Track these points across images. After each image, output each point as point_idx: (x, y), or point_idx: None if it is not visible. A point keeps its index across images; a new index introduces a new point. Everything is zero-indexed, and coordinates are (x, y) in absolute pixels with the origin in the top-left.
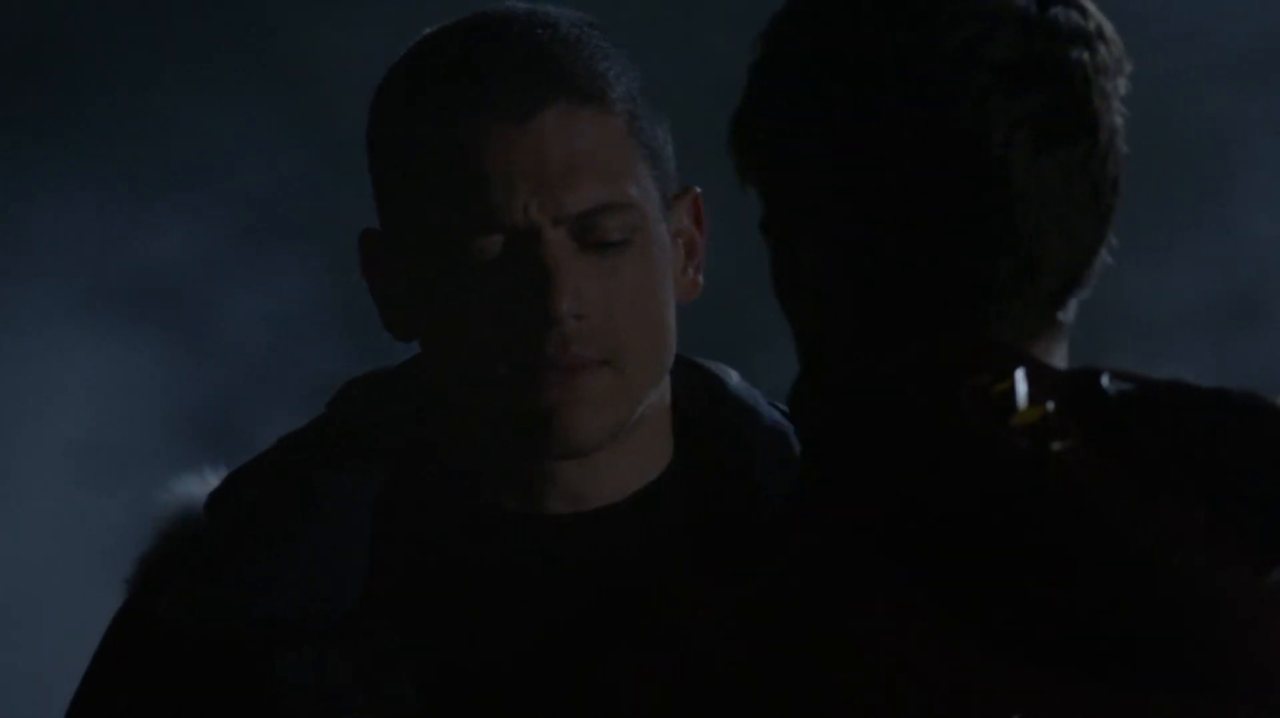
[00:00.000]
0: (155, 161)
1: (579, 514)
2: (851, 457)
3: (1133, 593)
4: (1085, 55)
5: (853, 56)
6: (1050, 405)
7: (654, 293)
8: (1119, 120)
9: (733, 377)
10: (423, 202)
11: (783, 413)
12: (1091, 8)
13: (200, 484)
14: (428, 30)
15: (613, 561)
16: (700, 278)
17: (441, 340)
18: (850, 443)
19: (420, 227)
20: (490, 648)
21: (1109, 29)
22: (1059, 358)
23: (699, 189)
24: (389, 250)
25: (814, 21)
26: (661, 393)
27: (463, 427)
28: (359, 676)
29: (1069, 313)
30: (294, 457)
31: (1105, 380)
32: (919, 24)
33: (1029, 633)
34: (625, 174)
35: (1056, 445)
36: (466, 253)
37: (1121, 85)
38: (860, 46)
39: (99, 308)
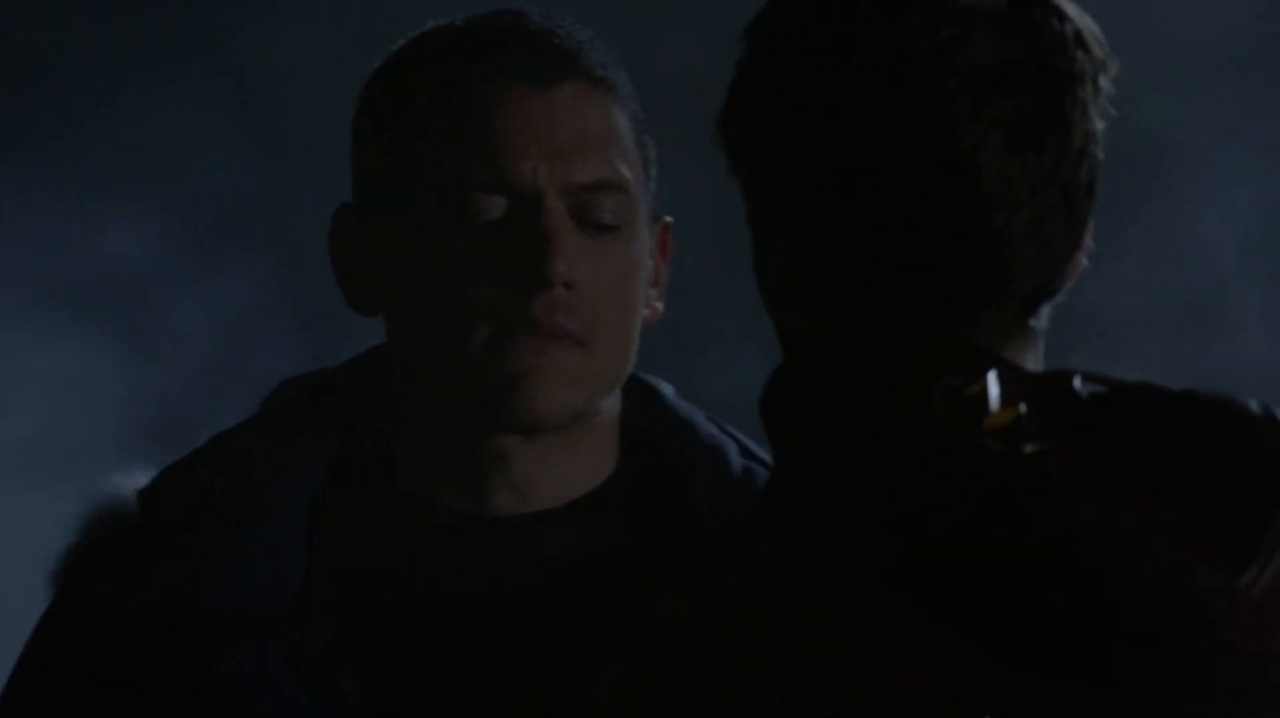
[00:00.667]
0: (106, 162)
1: (521, 516)
2: (823, 459)
3: (1106, 595)
4: (1060, 60)
5: (830, 55)
6: (1023, 408)
7: (632, 285)
8: (1097, 124)
9: (668, 389)
10: (425, 162)
11: (720, 428)
12: (1071, 10)
13: (129, 480)
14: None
15: (552, 563)
16: (660, 306)
17: (421, 305)
18: (822, 445)
19: (418, 187)
20: (430, 648)
21: (1090, 31)
22: (1031, 362)
23: (670, 219)
24: (370, 221)
25: (793, 20)
26: (614, 401)
27: (416, 415)
28: (298, 672)
29: (1042, 318)
30: (232, 453)
31: (1077, 382)
32: (896, 25)
33: (1004, 635)
34: (627, 161)
35: (1029, 448)
36: (466, 212)
37: (1104, 87)
38: (837, 46)
39: (49, 308)
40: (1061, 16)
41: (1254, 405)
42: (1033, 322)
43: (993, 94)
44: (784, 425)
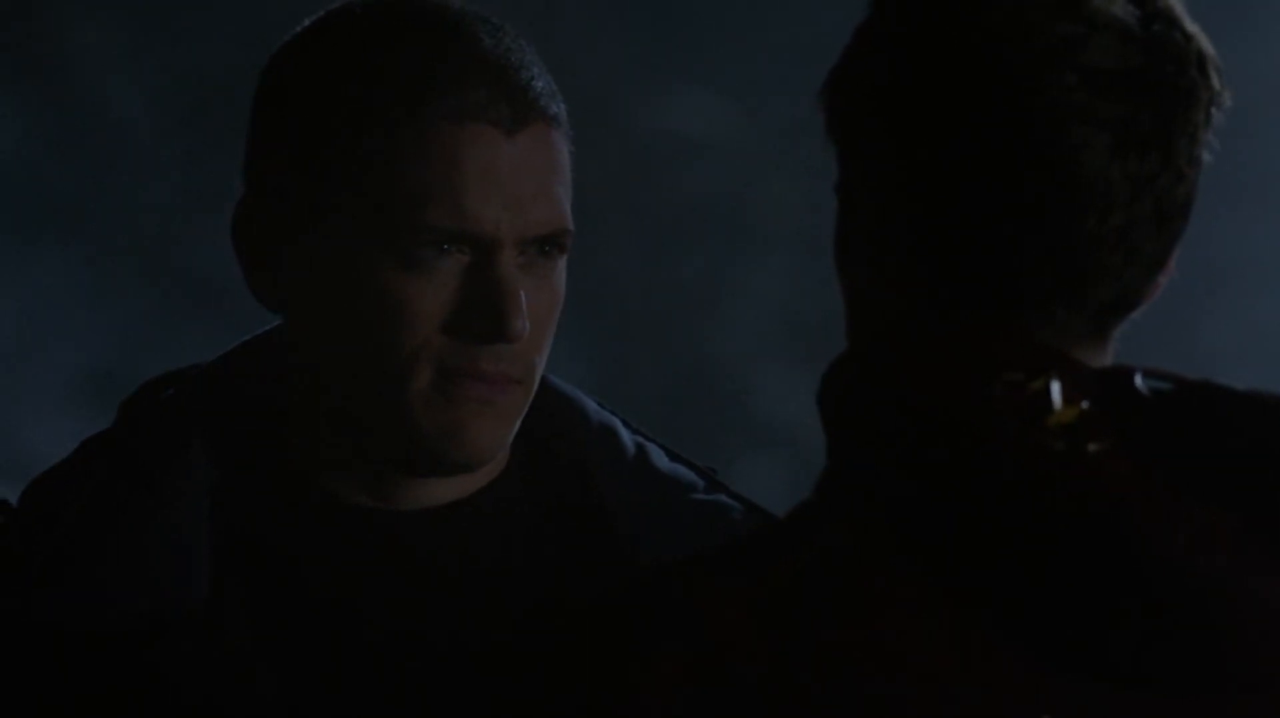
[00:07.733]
0: None
1: (428, 509)
2: (881, 450)
3: (1162, 596)
4: (1179, 78)
5: (951, 34)
6: (1085, 405)
7: (557, 315)
8: (1203, 153)
9: (550, 377)
10: (376, 188)
11: (600, 405)
12: (1197, 35)
13: None
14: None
15: (464, 554)
16: None
17: (352, 333)
18: (880, 435)
19: (364, 212)
20: (350, 644)
21: (1213, 60)
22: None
23: None
24: (290, 221)
25: None
26: None
27: (320, 423)
28: (215, 673)
29: (1115, 330)
30: (118, 455)
31: (1139, 380)
32: (1021, 13)
33: (1059, 634)
34: (569, 198)
35: (1093, 447)
36: (420, 254)
37: (1215, 116)
38: (962, 23)
39: None
40: (1187, 37)
41: None
42: (1106, 331)
43: (1106, 96)
44: (842, 414)
